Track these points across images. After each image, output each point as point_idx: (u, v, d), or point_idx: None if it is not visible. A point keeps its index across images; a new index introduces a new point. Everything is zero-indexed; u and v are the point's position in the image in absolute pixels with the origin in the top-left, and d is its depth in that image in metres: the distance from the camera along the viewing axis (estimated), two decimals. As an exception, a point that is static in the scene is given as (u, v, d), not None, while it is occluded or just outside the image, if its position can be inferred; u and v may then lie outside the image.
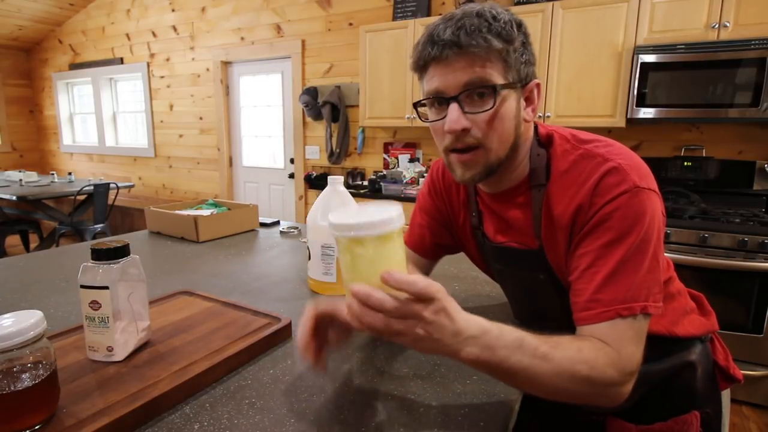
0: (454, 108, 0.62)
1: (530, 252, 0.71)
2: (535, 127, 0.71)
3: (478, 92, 0.61)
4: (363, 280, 0.48)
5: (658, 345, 0.75)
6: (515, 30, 0.62)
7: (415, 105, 0.70)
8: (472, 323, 0.51)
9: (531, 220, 0.70)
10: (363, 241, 0.48)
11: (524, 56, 0.63)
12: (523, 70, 0.64)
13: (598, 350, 0.55)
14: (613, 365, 0.55)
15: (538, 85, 0.67)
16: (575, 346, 0.55)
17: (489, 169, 0.66)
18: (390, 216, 0.48)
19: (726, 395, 0.82)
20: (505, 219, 0.74)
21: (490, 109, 0.61)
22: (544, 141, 0.69)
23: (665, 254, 0.79)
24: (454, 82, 0.61)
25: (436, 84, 0.63)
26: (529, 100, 0.67)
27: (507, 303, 0.93)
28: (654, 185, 0.61)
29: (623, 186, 0.59)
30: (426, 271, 0.90)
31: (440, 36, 0.60)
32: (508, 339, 0.52)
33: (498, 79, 0.61)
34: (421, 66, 0.65)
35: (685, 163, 2.47)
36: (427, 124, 0.69)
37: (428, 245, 0.87)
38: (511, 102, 0.64)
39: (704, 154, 2.49)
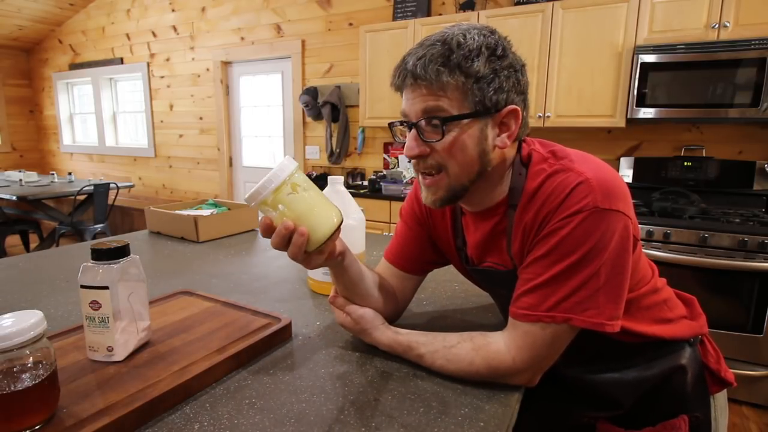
0: (411, 134, 0.66)
1: (509, 272, 0.72)
2: (520, 146, 0.71)
3: (433, 123, 0.64)
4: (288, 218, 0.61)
5: (646, 350, 0.75)
6: (482, 58, 0.61)
7: (391, 125, 0.73)
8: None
9: (506, 239, 0.71)
10: (264, 201, 0.61)
11: (495, 83, 0.62)
12: (491, 98, 0.62)
13: (488, 353, 0.65)
14: (497, 370, 0.64)
15: (514, 111, 0.65)
16: (469, 359, 0.65)
17: (452, 194, 0.67)
18: (265, 179, 0.59)
19: (722, 397, 0.81)
20: (485, 236, 0.74)
21: (440, 139, 0.63)
22: (525, 160, 0.69)
23: (652, 262, 0.79)
24: (413, 109, 0.65)
25: (403, 107, 0.67)
26: (504, 126, 0.66)
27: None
28: (620, 204, 0.60)
29: (582, 203, 0.59)
30: (413, 286, 0.87)
31: (406, 64, 0.64)
32: (412, 354, 0.70)
33: (452, 110, 0.62)
34: (396, 89, 0.69)
35: (685, 163, 2.47)
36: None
37: (413, 261, 0.86)
38: (473, 131, 0.64)
39: (704, 154, 2.49)
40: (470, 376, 0.66)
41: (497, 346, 0.65)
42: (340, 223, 0.63)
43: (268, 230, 0.62)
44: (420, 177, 0.70)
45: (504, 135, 0.66)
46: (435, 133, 0.64)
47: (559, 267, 0.61)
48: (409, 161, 0.71)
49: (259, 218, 0.69)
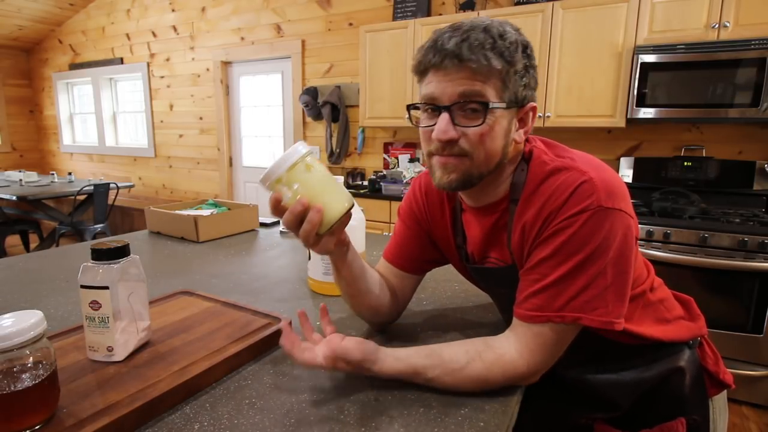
0: (444, 117, 0.63)
1: (507, 268, 0.72)
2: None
3: (471, 107, 0.62)
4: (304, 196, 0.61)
5: (645, 352, 0.75)
6: (519, 52, 0.62)
7: (409, 107, 0.71)
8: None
9: (506, 233, 0.71)
10: (279, 179, 0.61)
11: (524, 79, 0.64)
12: (521, 92, 0.64)
13: (503, 366, 0.63)
14: (513, 379, 0.64)
15: (533, 109, 0.67)
16: (483, 378, 0.63)
17: (468, 179, 0.66)
18: (281, 157, 0.60)
19: (722, 399, 0.81)
20: (486, 232, 0.74)
21: (479, 125, 0.62)
22: (527, 156, 0.69)
23: (649, 261, 0.79)
24: (449, 91, 0.62)
25: (431, 89, 0.64)
26: (522, 122, 0.68)
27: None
28: (621, 203, 0.61)
29: (587, 202, 0.60)
30: (412, 286, 0.87)
31: (444, 45, 0.61)
32: (420, 378, 0.64)
33: (492, 98, 0.62)
34: (421, 70, 0.66)
35: (685, 163, 2.47)
36: (417, 127, 0.70)
37: (412, 260, 0.85)
38: (503, 122, 0.64)
39: (704, 154, 2.49)
40: (484, 389, 0.64)
41: (510, 356, 0.63)
42: (351, 206, 0.64)
43: (279, 207, 0.61)
44: (434, 158, 0.67)
45: (521, 130, 0.68)
46: (471, 118, 0.63)
47: (565, 267, 0.61)
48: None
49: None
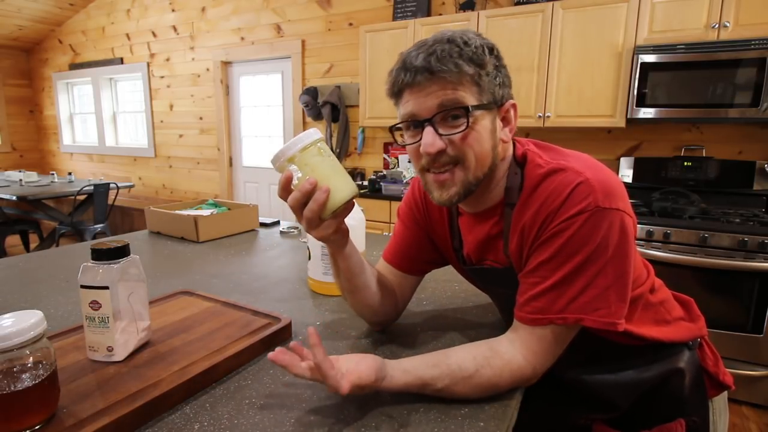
0: (428, 131, 0.64)
1: (505, 269, 0.72)
2: (513, 146, 0.72)
3: (452, 114, 0.63)
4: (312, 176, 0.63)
5: (645, 353, 0.75)
6: (486, 54, 0.64)
7: (391, 129, 0.71)
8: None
9: (502, 240, 0.71)
10: (292, 158, 0.63)
11: (498, 79, 0.65)
12: (497, 92, 0.65)
13: (512, 371, 0.63)
14: (520, 382, 0.64)
15: (514, 106, 0.69)
16: (492, 384, 0.63)
17: (467, 189, 0.66)
18: (294, 140, 0.62)
19: (722, 400, 0.81)
20: (483, 238, 0.74)
21: (464, 129, 0.63)
22: (520, 160, 0.70)
23: (649, 261, 0.79)
24: (426, 105, 0.63)
25: (410, 108, 0.65)
26: (505, 121, 0.68)
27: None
28: (619, 202, 0.61)
29: (584, 203, 0.60)
30: (411, 286, 0.87)
31: (412, 63, 0.63)
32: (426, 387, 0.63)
33: (471, 101, 0.63)
34: (395, 92, 0.67)
35: (685, 163, 2.47)
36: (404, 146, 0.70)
37: (412, 261, 0.85)
38: (486, 123, 0.65)
39: (704, 154, 2.49)
40: (491, 395, 0.64)
41: (517, 362, 0.63)
42: (356, 195, 0.65)
43: (287, 186, 0.62)
44: (428, 175, 0.68)
45: (506, 129, 0.68)
46: (454, 126, 0.64)
47: (565, 269, 0.61)
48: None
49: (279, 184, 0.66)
